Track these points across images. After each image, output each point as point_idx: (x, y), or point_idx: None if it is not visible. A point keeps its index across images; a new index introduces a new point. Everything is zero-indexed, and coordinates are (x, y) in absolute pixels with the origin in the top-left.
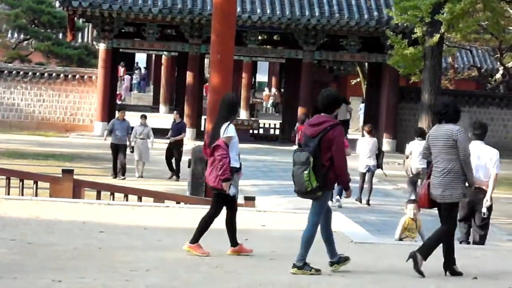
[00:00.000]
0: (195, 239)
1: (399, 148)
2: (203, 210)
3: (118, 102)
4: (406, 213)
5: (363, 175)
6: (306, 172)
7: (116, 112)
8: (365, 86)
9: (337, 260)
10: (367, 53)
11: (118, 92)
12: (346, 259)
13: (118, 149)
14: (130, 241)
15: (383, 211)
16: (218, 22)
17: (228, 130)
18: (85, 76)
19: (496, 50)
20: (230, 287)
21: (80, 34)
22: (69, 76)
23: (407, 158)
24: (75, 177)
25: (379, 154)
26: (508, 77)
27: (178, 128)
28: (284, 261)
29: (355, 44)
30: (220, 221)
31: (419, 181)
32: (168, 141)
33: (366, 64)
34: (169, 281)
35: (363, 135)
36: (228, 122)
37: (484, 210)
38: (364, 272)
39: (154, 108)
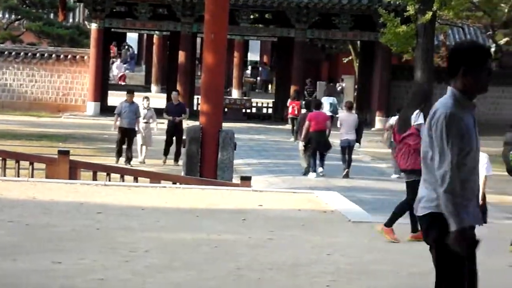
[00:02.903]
0: (390, 223)
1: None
2: (199, 190)
3: (122, 83)
4: None
5: (344, 149)
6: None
7: (126, 94)
8: (357, 64)
9: None
10: (359, 31)
11: (121, 74)
12: None
13: (126, 134)
14: (128, 222)
15: (378, 190)
16: (211, 1)
17: (419, 118)
18: (77, 56)
19: (488, 28)
20: (230, 267)
21: (71, 14)
22: (61, 56)
23: (387, 131)
24: (71, 158)
25: (358, 129)
26: (500, 55)
27: (178, 110)
28: (282, 240)
29: (347, 23)
30: (219, 202)
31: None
32: (166, 123)
33: (358, 42)
34: (169, 261)
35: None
36: (418, 111)
37: None
38: (363, 251)
39: (146, 87)
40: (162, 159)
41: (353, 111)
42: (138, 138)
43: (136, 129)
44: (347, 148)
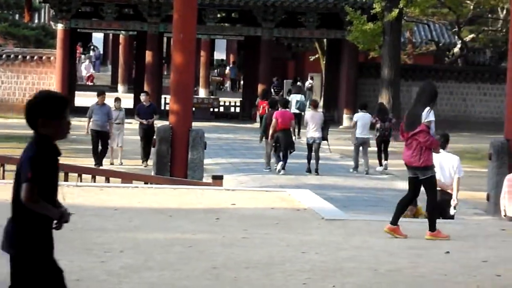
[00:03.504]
0: (395, 221)
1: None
2: (171, 190)
3: (90, 83)
4: None
5: (310, 146)
6: None
7: (96, 96)
8: (324, 62)
9: None
10: (326, 29)
11: (89, 74)
12: None
13: (99, 136)
14: (102, 222)
15: (347, 187)
16: (179, 1)
17: (429, 115)
18: (44, 57)
19: (453, 24)
20: (205, 267)
21: (37, 15)
22: (27, 57)
23: (354, 127)
24: None
25: (324, 127)
26: (466, 51)
27: (149, 111)
28: (256, 239)
29: (314, 21)
30: (191, 202)
31: (360, 148)
32: (137, 125)
33: (325, 40)
34: (144, 262)
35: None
36: (429, 108)
37: (452, 210)
38: (337, 248)
39: (112, 88)
40: (138, 160)
41: (319, 109)
42: (111, 140)
43: (109, 131)
44: (313, 146)
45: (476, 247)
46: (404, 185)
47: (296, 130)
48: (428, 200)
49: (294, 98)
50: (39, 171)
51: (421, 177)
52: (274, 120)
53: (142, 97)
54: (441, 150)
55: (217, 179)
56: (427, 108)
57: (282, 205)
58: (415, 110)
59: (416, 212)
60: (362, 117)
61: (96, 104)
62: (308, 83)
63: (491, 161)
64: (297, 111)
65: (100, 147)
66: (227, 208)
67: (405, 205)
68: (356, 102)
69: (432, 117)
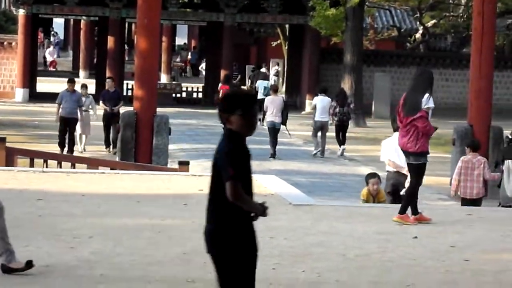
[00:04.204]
0: (404, 209)
1: None
2: (138, 175)
3: (53, 69)
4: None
5: (270, 130)
6: None
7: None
8: (286, 48)
9: None
10: (289, 15)
11: (52, 60)
12: None
13: (67, 123)
14: (69, 208)
15: (312, 173)
16: None
17: (429, 102)
18: (5, 43)
19: (415, 10)
20: (175, 252)
21: None
22: None
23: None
24: (7, 145)
25: (284, 111)
26: (428, 37)
27: (114, 97)
28: None
29: (276, 6)
30: (159, 188)
31: (319, 132)
32: (101, 111)
33: (287, 26)
34: (113, 247)
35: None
36: (428, 94)
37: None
38: (305, 234)
39: (74, 73)
40: (101, 146)
41: (279, 94)
42: (78, 127)
43: (78, 117)
44: (273, 130)
45: (443, 232)
46: (367, 170)
47: (261, 116)
48: (410, 184)
49: (261, 85)
50: (239, 167)
51: (414, 162)
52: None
53: (108, 83)
54: (397, 133)
55: (184, 165)
56: (427, 94)
57: None
58: (415, 96)
59: (378, 193)
60: (321, 101)
61: (66, 90)
62: (274, 69)
63: (455, 146)
64: (264, 97)
65: (68, 135)
66: (195, 193)
67: (413, 194)
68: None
69: (432, 104)
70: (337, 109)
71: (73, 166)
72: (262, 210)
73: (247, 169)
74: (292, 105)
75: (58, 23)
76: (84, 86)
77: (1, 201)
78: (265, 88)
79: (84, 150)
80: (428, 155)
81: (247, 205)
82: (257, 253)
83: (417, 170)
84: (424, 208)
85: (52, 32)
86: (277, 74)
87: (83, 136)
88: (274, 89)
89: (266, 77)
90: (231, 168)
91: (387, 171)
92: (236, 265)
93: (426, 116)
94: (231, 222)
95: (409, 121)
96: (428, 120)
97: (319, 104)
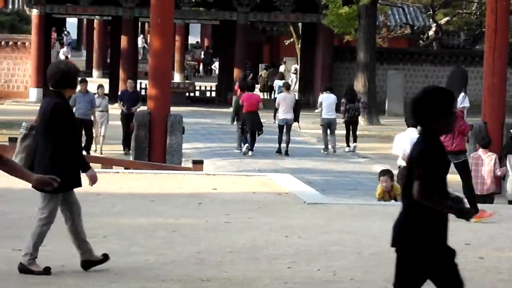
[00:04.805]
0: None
1: (336, 108)
2: (152, 175)
3: None
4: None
5: (281, 127)
6: None
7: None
8: (299, 46)
9: None
10: (301, 13)
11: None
12: None
13: (82, 125)
14: (84, 208)
15: (325, 171)
16: None
17: (465, 101)
18: (19, 43)
19: (428, 7)
20: (189, 251)
21: (11, 0)
22: (2, 43)
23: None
24: None
25: (296, 109)
26: (441, 34)
27: (133, 98)
28: (239, 223)
29: (289, 5)
30: (173, 187)
31: (328, 130)
32: (118, 111)
33: (300, 24)
34: (128, 247)
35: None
36: (464, 94)
37: None
38: (320, 232)
39: (87, 73)
40: (118, 145)
41: (291, 92)
42: (95, 129)
43: (92, 119)
44: (284, 127)
45: (458, 229)
46: (381, 168)
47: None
48: (463, 184)
49: (277, 84)
50: (430, 166)
51: (454, 161)
52: (240, 103)
53: (130, 83)
54: (413, 129)
55: (198, 164)
56: (462, 94)
57: (263, 190)
58: None
59: (392, 189)
60: (327, 98)
61: (79, 91)
62: (294, 68)
63: (469, 143)
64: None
65: (86, 137)
66: (209, 192)
67: (470, 190)
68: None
69: (467, 103)
70: (348, 106)
71: None
72: (458, 209)
73: (442, 167)
74: (305, 104)
75: (71, 22)
76: (101, 87)
77: (78, 201)
78: (279, 87)
79: (101, 153)
80: (466, 152)
81: (435, 204)
82: (450, 255)
83: (460, 168)
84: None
85: (65, 32)
86: (295, 72)
87: (100, 138)
88: (287, 87)
89: (282, 77)
90: (421, 167)
91: (399, 166)
92: (415, 263)
93: (462, 116)
94: (418, 220)
95: None
96: (463, 119)
97: (325, 102)
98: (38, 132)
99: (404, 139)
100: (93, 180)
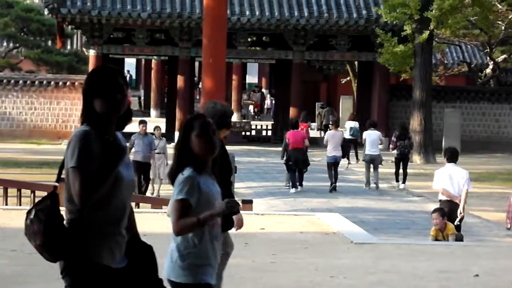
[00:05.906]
0: None
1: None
2: None
3: None
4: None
5: (330, 165)
6: None
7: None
8: (355, 85)
9: None
10: (357, 52)
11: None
12: None
13: (140, 168)
14: None
15: (378, 210)
16: (209, 26)
17: None
18: (76, 83)
19: (485, 45)
20: None
21: (69, 41)
22: (60, 83)
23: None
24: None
25: (344, 146)
26: (498, 72)
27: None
28: (285, 264)
29: (345, 43)
30: None
31: (371, 166)
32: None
33: (356, 62)
34: None
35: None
36: None
37: (457, 220)
38: (366, 272)
39: (145, 112)
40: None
41: (339, 129)
42: (152, 171)
43: (151, 162)
44: (333, 164)
45: (506, 269)
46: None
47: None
48: None
49: (348, 125)
50: None
51: None
52: (286, 141)
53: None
54: (452, 164)
55: (247, 203)
56: None
57: (311, 229)
58: None
59: (446, 228)
60: (370, 135)
61: (138, 133)
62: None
63: None
64: (351, 137)
65: (144, 182)
66: (256, 232)
67: None
68: (388, 124)
69: None
70: (398, 143)
71: (137, 206)
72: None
73: None
74: (347, 140)
75: (130, 63)
76: (157, 128)
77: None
78: (351, 128)
79: (159, 196)
80: None
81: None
82: None
83: None
84: (490, 245)
85: (126, 74)
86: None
87: (158, 181)
88: (336, 125)
89: (354, 118)
90: None
91: (440, 200)
92: None
93: None
94: None
95: None
96: None
97: (368, 138)
98: None
99: (444, 175)
100: (239, 224)
